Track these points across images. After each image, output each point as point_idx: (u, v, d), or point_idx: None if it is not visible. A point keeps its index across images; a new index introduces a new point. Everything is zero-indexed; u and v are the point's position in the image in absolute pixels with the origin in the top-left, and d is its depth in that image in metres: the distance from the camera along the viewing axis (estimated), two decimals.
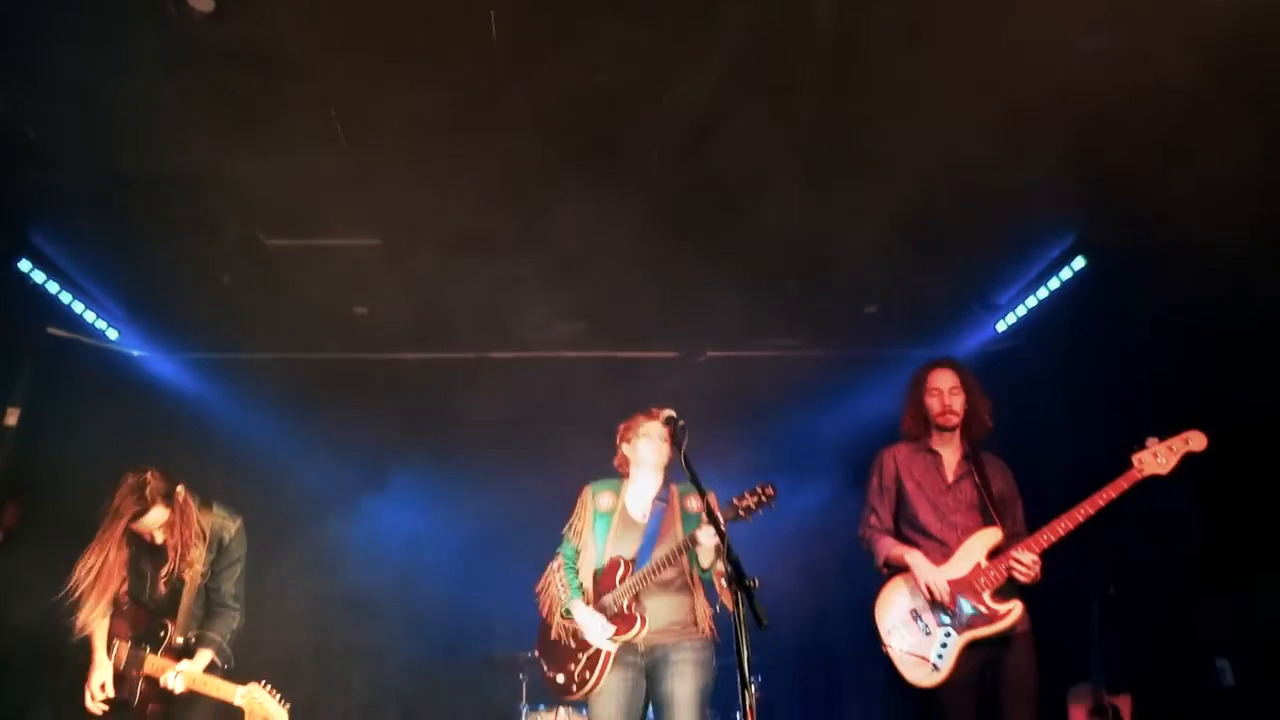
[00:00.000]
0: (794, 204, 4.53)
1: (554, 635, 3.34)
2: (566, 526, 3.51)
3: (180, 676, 3.13)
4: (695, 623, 3.22)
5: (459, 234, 4.55)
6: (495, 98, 3.63)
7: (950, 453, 3.44)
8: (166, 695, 3.17)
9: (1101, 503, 3.11)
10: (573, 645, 3.26)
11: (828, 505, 5.42)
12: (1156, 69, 3.44)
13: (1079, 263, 4.95)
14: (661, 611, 3.21)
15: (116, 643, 3.24)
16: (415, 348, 5.72)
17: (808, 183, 4.32)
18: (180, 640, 3.26)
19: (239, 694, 3.21)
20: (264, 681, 3.26)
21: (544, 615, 3.41)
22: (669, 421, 2.88)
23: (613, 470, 3.55)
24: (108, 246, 4.70)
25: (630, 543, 3.32)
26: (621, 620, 3.17)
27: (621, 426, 3.53)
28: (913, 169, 4.12)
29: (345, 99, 3.66)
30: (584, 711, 4.17)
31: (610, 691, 3.17)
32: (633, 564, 3.25)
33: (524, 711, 4.52)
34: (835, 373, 5.84)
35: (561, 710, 4.36)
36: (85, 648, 3.26)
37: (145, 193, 4.19)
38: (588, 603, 3.26)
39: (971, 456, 3.40)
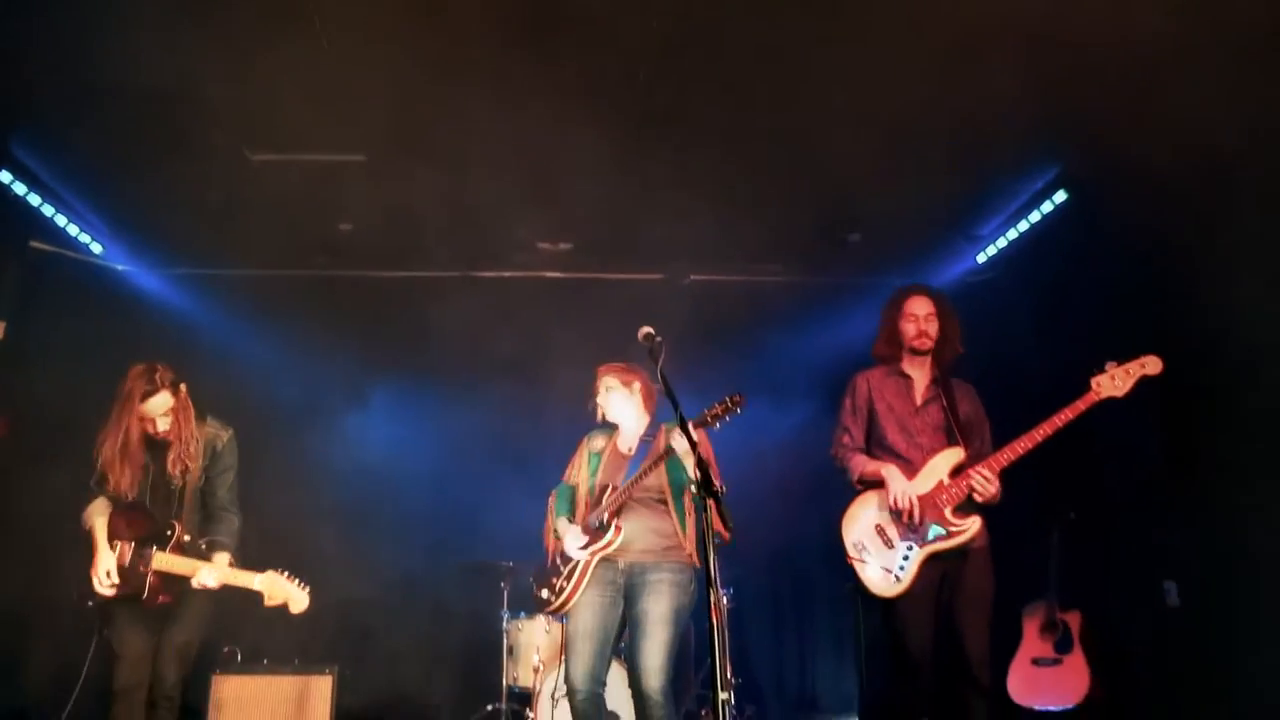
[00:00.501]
0: (779, 132, 4.58)
1: (549, 561, 3.54)
2: (565, 472, 3.72)
3: (213, 574, 3.29)
4: (677, 546, 3.35)
5: (445, 151, 4.55)
6: (483, 10, 3.60)
7: (921, 376, 3.56)
8: (174, 588, 3.33)
9: (1060, 423, 3.22)
10: (560, 565, 3.46)
11: (804, 426, 5.57)
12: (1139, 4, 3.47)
13: (1060, 196, 5.03)
14: (643, 532, 3.34)
15: (119, 542, 3.37)
16: (400, 265, 5.77)
17: (792, 110, 4.35)
18: (187, 539, 3.41)
19: (258, 580, 3.38)
20: (281, 569, 3.42)
21: (548, 551, 3.60)
22: (646, 339, 2.94)
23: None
24: (90, 160, 4.66)
25: (617, 472, 3.48)
26: (599, 533, 3.33)
27: (589, 389, 3.68)
28: (897, 98, 4.14)
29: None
30: (564, 621, 4.40)
31: (587, 604, 3.34)
32: (617, 487, 3.40)
33: (505, 617, 4.74)
34: (817, 299, 5.95)
35: (541, 618, 4.57)
36: (88, 541, 3.39)
37: (127, 105, 4.12)
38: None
39: (941, 381, 3.52)
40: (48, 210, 4.90)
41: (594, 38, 3.83)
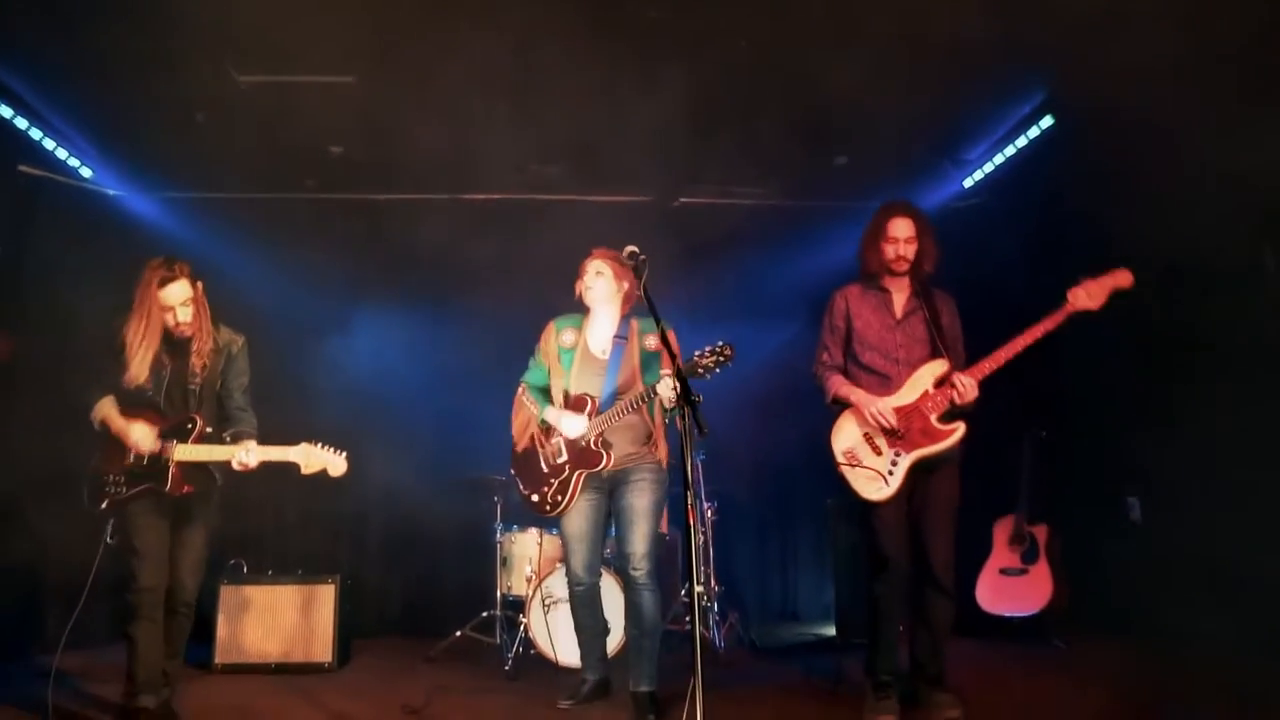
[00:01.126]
0: (766, 53, 4.60)
1: (528, 456, 3.69)
2: (532, 355, 3.83)
3: (251, 453, 3.33)
4: (652, 447, 3.59)
5: (435, 74, 4.55)
6: None
7: (899, 291, 3.65)
8: (195, 480, 3.38)
9: (1039, 334, 3.32)
10: (545, 470, 3.62)
11: (789, 345, 5.69)
12: None
13: (1047, 121, 5.10)
14: (622, 442, 3.56)
15: (136, 423, 3.38)
16: (391, 188, 5.81)
17: (780, 31, 4.37)
18: (209, 431, 3.44)
19: (293, 451, 3.39)
20: (316, 441, 3.45)
21: (516, 437, 3.74)
22: (631, 257, 2.99)
23: (576, 306, 3.78)
24: (76, 84, 4.66)
25: (593, 378, 3.62)
26: (590, 455, 3.51)
27: (579, 268, 3.75)
28: (885, 20, 4.17)
29: None
30: (554, 531, 4.63)
31: (578, 510, 3.58)
32: (598, 403, 3.56)
33: (499, 530, 4.97)
34: (804, 221, 6.01)
35: (533, 529, 4.80)
36: (104, 435, 3.40)
37: (110, 26, 4.14)
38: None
39: (922, 293, 3.62)
40: (35, 134, 4.92)
41: None
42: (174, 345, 3.48)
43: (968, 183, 5.87)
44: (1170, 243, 4.38)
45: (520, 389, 3.79)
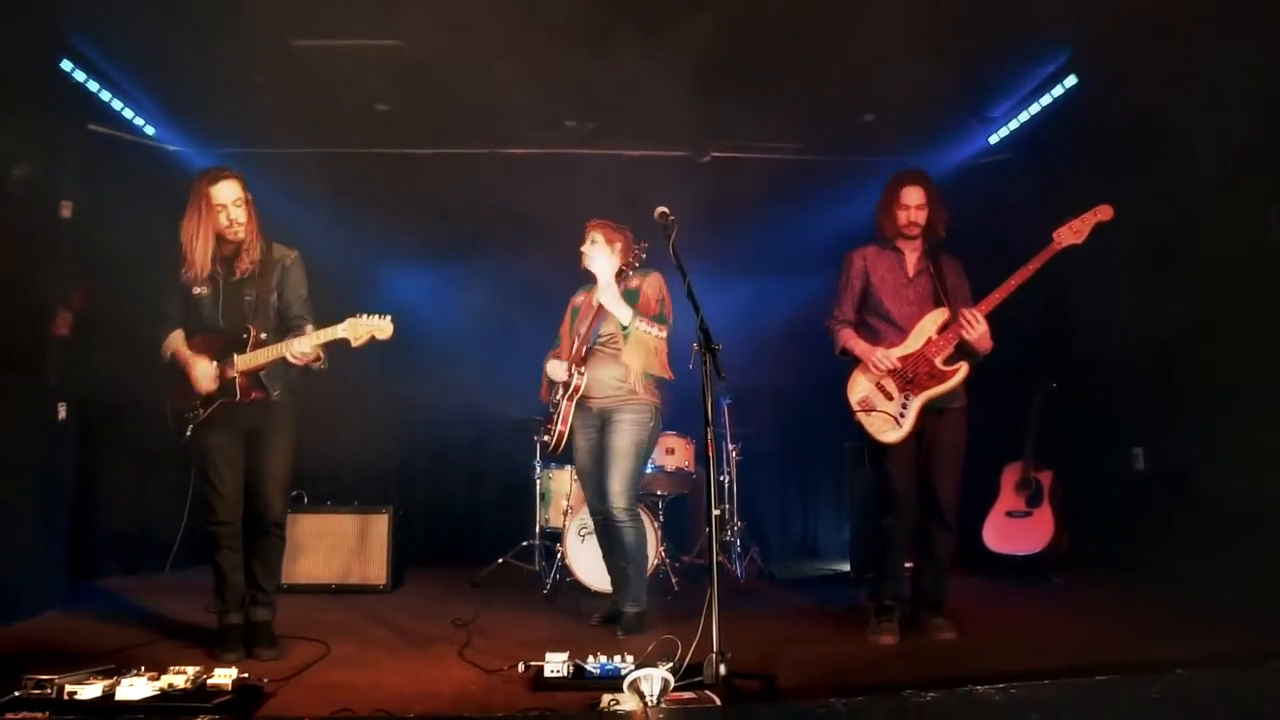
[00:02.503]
0: (797, 15, 4.82)
1: (547, 410, 4.22)
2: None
3: (302, 343, 3.48)
4: (632, 388, 4.01)
5: (477, 35, 4.84)
6: None
7: (911, 251, 3.97)
8: (261, 385, 3.59)
9: (1030, 271, 3.62)
10: (550, 412, 4.15)
11: (815, 297, 5.97)
12: None
13: (1070, 80, 5.27)
14: (605, 379, 4.05)
15: (199, 360, 3.58)
16: (434, 143, 6.15)
17: None
18: (264, 336, 3.59)
19: (340, 329, 3.48)
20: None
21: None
22: (662, 217, 3.41)
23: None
24: (143, 48, 5.02)
25: (585, 322, 4.13)
26: (573, 387, 4.06)
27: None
28: None
29: None
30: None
31: (580, 448, 4.15)
32: (587, 339, 4.09)
33: (538, 467, 5.42)
34: (834, 176, 6.24)
35: (569, 466, 5.22)
36: (172, 369, 3.66)
37: None
38: None
39: (930, 254, 3.94)
40: (105, 95, 5.31)
41: None
42: (227, 257, 3.66)
43: (994, 139, 6.07)
44: (1181, 202, 4.62)
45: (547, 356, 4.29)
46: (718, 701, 2.64)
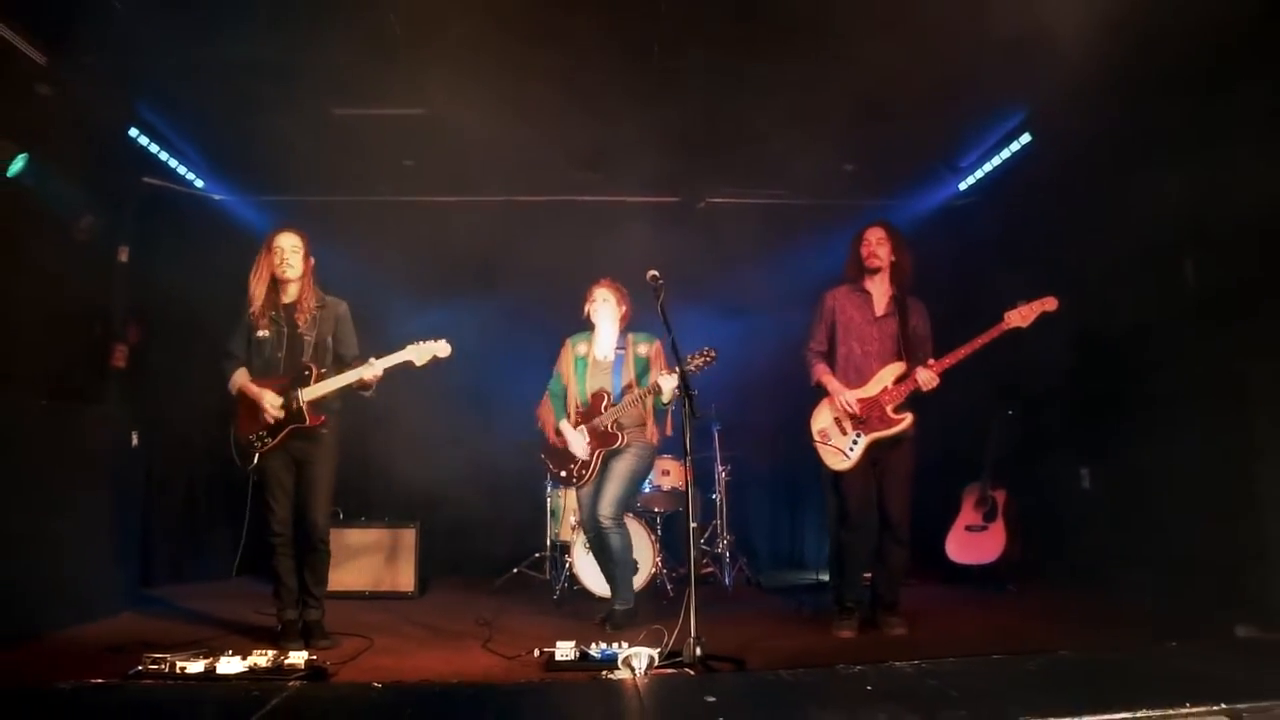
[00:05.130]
0: (782, 77, 5.61)
1: (555, 445, 5.00)
2: (556, 365, 5.09)
3: (371, 369, 4.25)
4: (643, 430, 4.86)
5: (492, 101, 5.63)
6: (523, 34, 4.71)
7: (880, 293, 4.70)
8: (320, 412, 4.31)
9: (978, 345, 4.36)
10: (570, 452, 4.91)
11: (801, 330, 6.76)
12: None
13: (1026, 138, 6.06)
14: (624, 424, 4.84)
15: (266, 392, 4.30)
16: (452, 191, 6.98)
17: (794, 62, 5.36)
18: (323, 371, 4.33)
19: (404, 353, 4.30)
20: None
21: (545, 430, 5.06)
22: (653, 279, 4.15)
23: (585, 324, 5.05)
24: (199, 114, 5.89)
25: (604, 379, 4.90)
26: (607, 436, 4.80)
27: (587, 292, 5.00)
28: (888, 52, 5.06)
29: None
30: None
31: (592, 480, 4.89)
32: (610, 396, 4.84)
33: (548, 486, 6.22)
34: (817, 219, 7.04)
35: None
36: (240, 402, 4.38)
37: (232, 73, 5.31)
38: (575, 424, 4.93)
39: (898, 298, 4.68)
40: (162, 155, 6.16)
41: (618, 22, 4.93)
42: (287, 307, 4.39)
43: (963, 185, 6.86)
44: (1116, 247, 5.39)
45: (545, 396, 5.09)
46: (692, 674, 3.42)
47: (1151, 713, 2.53)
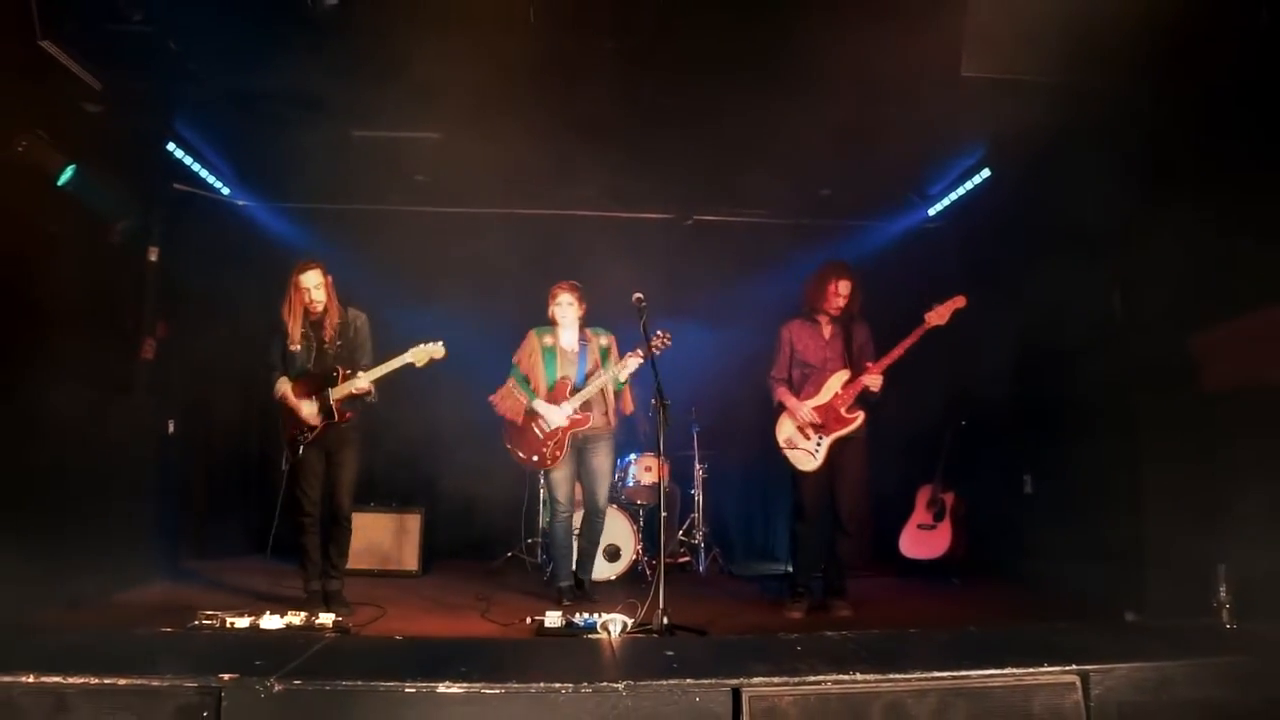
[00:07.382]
0: (764, 110, 6.33)
1: (524, 431, 5.62)
2: (515, 356, 5.78)
3: (362, 376, 5.01)
4: (608, 420, 5.62)
5: (496, 126, 6.34)
6: (531, 69, 5.41)
7: (826, 320, 5.48)
8: (349, 408, 5.08)
9: (907, 344, 5.14)
10: (540, 435, 5.58)
11: (774, 339, 7.50)
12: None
13: (985, 173, 6.80)
14: (592, 414, 5.57)
15: (304, 399, 5.08)
16: (459, 204, 7.71)
17: (777, 99, 6.06)
18: (349, 372, 5.06)
19: (405, 357, 5.05)
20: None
21: (508, 417, 5.68)
22: (637, 301, 4.98)
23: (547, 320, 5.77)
24: (229, 131, 6.61)
25: (569, 367, 5.63)
26: (576, 419, 5.52)
27: (550, 293, 5.72)
28: (858, 88, 5.71)
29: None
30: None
31: (563, 461, 5.58)
32: (574, 383, 5.58)
33: (541, 476, 6.85)
34: (795, 238, 7.77)
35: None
36: (282, 407, 5.17)
37: (264, 99, 6.03)
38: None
39: (843, 323, 5.44)
40: (193, 164, 6.87)
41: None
42: (315, 324, 5.15)
43: (931, 211, 7.59)
44: (1059, 278, 6.12)
45: (510, 383, 5.72)
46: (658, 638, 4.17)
47: (1016, 670, 3.29)
